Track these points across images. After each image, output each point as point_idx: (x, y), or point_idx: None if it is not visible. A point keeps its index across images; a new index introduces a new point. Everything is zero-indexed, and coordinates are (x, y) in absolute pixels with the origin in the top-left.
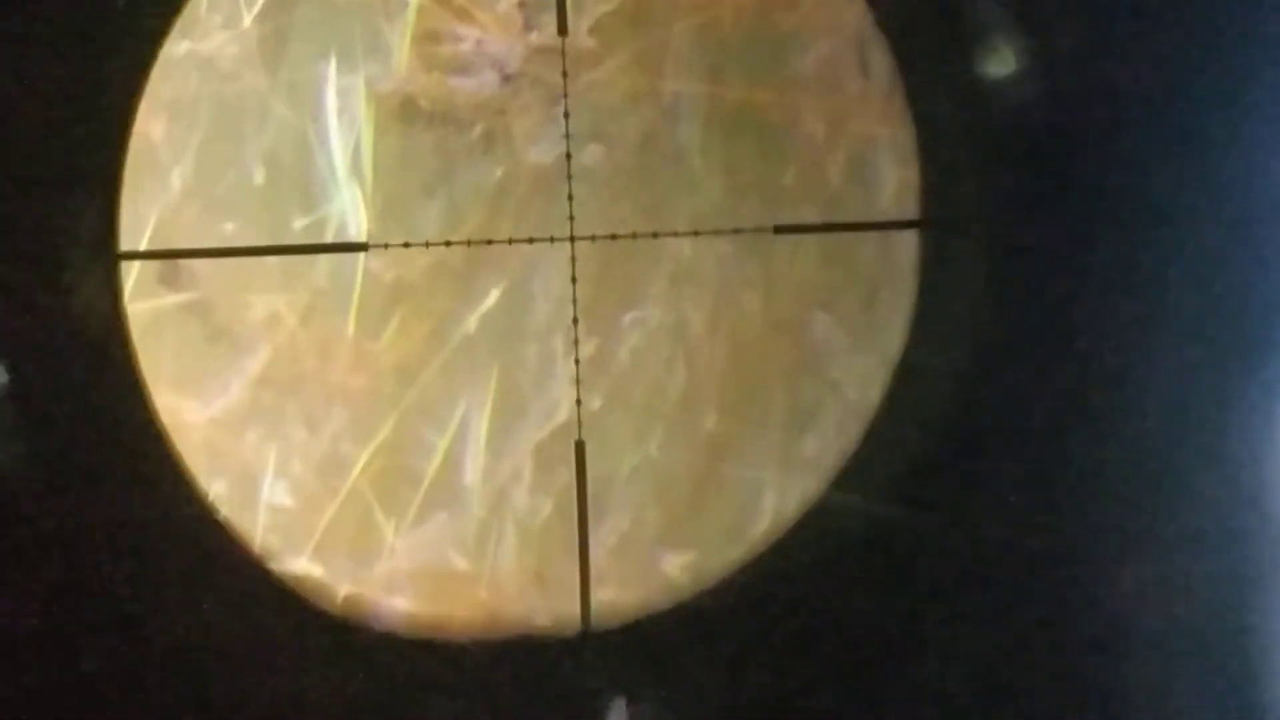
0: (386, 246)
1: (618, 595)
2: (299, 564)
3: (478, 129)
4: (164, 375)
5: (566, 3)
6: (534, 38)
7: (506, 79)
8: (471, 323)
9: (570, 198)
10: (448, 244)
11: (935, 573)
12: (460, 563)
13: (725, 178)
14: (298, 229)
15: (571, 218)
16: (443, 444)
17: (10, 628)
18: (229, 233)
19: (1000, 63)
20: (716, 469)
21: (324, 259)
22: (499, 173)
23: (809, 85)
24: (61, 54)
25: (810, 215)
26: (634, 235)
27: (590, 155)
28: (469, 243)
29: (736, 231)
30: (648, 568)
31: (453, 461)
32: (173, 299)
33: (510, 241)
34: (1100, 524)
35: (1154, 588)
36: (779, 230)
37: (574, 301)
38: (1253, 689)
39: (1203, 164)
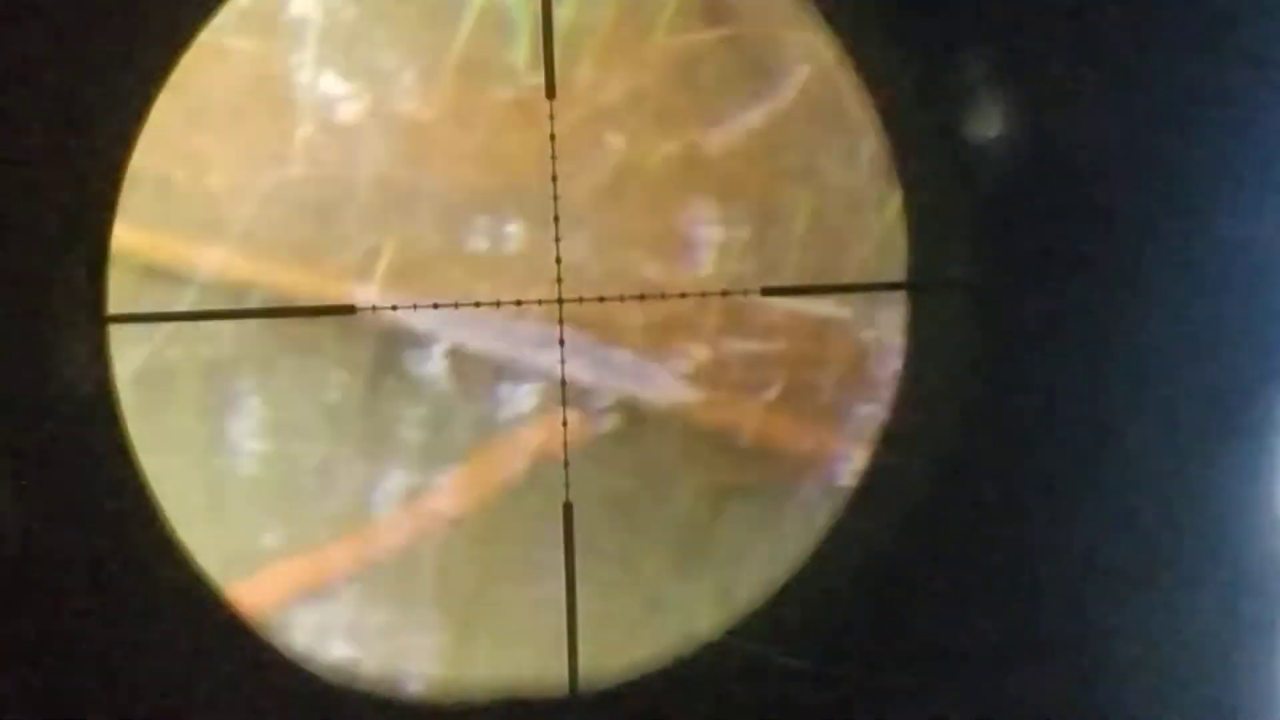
0: None
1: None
2: None
3: None
4: None
5: None
6: None
7: None
8: None
9: None
10: None
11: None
12: None
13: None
14: None
15: None
16: None
17: None
18: None
19: (988, 126)
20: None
21: None
22: None
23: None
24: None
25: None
26: None
27: None
28: None
29: (724, 294)
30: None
31: None
32: None
33: None
34: (1089, 606)
35: (1147, 680)
36: (766, 293)
37: None
38: None
39: (1193, 230)
